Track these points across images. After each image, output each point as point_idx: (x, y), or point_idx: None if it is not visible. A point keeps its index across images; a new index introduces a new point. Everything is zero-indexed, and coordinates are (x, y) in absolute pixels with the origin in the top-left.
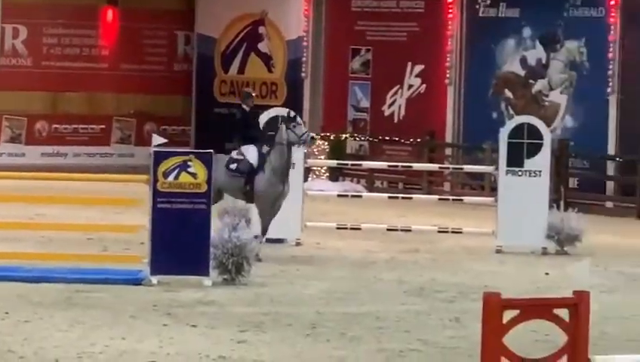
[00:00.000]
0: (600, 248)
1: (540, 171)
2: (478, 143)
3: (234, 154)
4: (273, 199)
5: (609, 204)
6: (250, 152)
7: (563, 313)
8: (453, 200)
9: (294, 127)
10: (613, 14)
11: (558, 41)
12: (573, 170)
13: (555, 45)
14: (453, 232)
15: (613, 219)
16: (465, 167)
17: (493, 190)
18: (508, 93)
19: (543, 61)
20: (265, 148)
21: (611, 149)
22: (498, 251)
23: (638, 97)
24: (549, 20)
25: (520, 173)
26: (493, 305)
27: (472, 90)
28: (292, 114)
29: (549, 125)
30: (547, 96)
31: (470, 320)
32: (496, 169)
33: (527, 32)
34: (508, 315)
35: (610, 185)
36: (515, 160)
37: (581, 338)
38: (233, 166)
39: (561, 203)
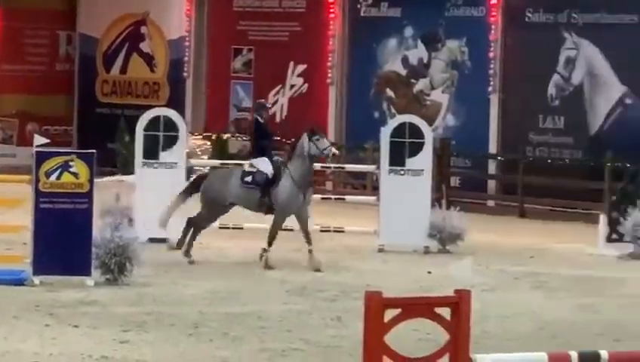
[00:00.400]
0: (482, 247)
1: (422, 170)
2: (360, 142)
3: (246, 167)
4: (294, 210)
5: (491, 203)
6: (263, 164)
7: (445, 312)
8: (335, 199)
9: (317, 140)
10: (494, 14)
11: (440, 41)
12: (454, 168)
13: (437, 44)
14: (335, 231)
15: (495, 218)
16: (347, 166)
17: (375, 189)
18: (390, 93)
19: (425, 60)
20: (277, 159)
21: (493, 148)
22: (380, 250)
23: (519, 96)
24: (430, 20)
25: (402, 172)
26: (375, 304)
27: (354, 89)
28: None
29: (430, 124)
30: (429, 95)
31: (352, 319)
32: (378, 168)
33: (408, 31)
34: (390, 314)
35: (491, 184)
36: (397, 159)
37: (462, 336)
38: (249, 178)
39: (443, 202)
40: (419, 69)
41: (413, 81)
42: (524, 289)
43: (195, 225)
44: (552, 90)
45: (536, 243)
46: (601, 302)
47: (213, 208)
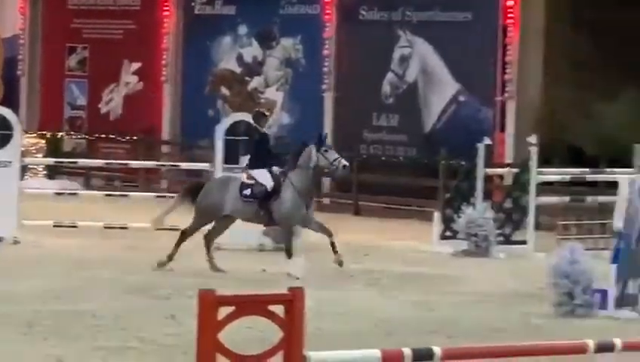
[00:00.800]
0: (317, 244)
1: None
2: (195, 140)
3: (244, 178)
4: (298, 220)
5: (326, 201)
6: (262, 176)
7: (279, 309)
8: (170, 197)
9: (325, 151)
10: (328, 11)
11: (274, 39)
12: None
13: (271, 42)
14: (170, 229)
15: (331, 216)
16: (181, 164)
17: None
18: (224, 91)
19: (259, 58)
20: (277, 170)
21: None
22: (216, 248)
23: (354, 94)
24: (265, 17)
25: (236, 170)
26: (208, 302)
27: (189, 87)
28: (324, 135)
29: None
30: (263, 93)
31: (187, 317)
32: (213, 166)
33: (243, 29)
34: (224, 312)
35: (326, 182)
36: (232, 157)
37: (296, 334)
38: (247, 191)
39: None
40: (253, 67)
41: (247, 78)
42: (359, 286)
43: (184, 236)
44: (386, 88)
45: (371, 241)
46: (435, 300)
47: (205, 218)
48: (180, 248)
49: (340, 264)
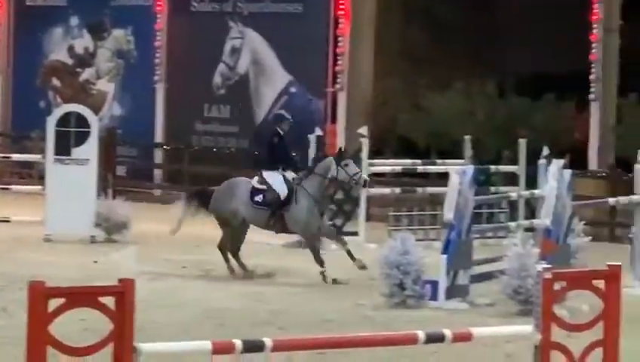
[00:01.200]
0: (149, 236)
1: (88, 159)
2: (26, 132)
3: (256, 182)
4: (315, 228)
5: (157, 192)
6: (275, 180)
7: (110, 301)
8: (1, 189)
9: (346, 165)
10: (160, 3)
11: (106, 30)
12: (121, 158)
13: (103, 34)
14: (1, 221)
15: (162, 207)
16: (13, 155)
17: (41, 178)
18: (56, 82)
19: (91, 50)
20: (291, 174)
21: (159, 137)
22: (47, 240)
23: (185, 85)
24: (96, 9)
25: (67, 162)
26: (38, 294)
27: (20, 78)
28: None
29: (96, 113)
30: (95, 84)
31: (18, 309)
32: (44, 157)
33: (74, 20)
34: (54, 304)
35: (158, 173)
36: (63, 148)
37: (126, 326)
38: (258, 198)
39: (109, 191)
40: (85, 58)
41: (79, 70)
42: (191, 277)
43: (222, 250)
44: (217, 79)
45: (203, 232)
46: (267, 291)
47: (227, 227)
48: (232, 262)
49: (363, 268)
